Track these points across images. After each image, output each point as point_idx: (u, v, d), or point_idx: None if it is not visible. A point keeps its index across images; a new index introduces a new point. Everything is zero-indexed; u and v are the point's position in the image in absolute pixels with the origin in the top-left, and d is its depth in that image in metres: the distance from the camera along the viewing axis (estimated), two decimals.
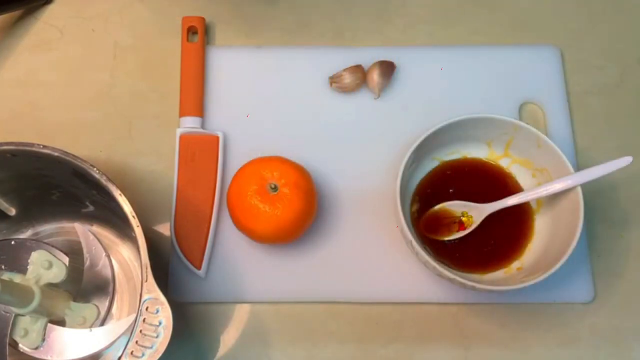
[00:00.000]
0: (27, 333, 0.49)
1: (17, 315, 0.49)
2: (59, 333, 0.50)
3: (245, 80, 0.60)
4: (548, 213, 0.54)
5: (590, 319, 0.54)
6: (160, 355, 0.42)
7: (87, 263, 0.53)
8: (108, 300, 0.53)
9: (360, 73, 0.59)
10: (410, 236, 0.49)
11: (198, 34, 0.60)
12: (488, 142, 0.55)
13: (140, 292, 0.43)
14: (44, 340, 0.50)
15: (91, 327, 0.52)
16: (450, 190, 0.55)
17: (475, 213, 0.53)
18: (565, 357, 0.53)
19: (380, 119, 0.59)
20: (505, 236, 0.54)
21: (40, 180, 0.51)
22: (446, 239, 0.53)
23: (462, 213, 0.54)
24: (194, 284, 0.54)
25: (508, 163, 0.56)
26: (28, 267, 0.50)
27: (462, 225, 0.53)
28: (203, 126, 0.58)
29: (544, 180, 0.53)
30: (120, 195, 0.45)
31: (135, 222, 0.44)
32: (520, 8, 0.64)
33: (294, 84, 0.60)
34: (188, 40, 0.60)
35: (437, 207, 0.54)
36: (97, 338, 0.50)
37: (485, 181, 0.56)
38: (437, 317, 0.54)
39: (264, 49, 0.61)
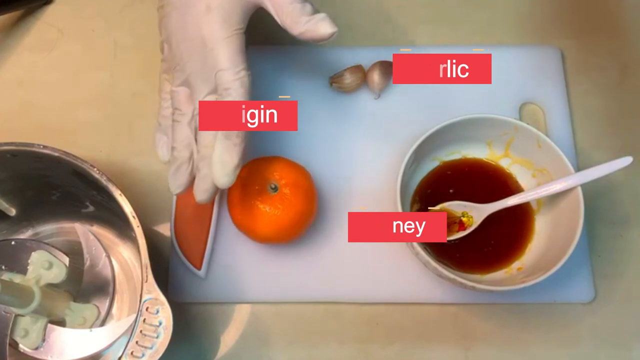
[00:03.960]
0: (27, 333, 0.49)
1: (17, 315, 0.49)
2: (58, 333, 0.50)
3: None
4: (548, 213, 0.54)
5: (590, 319, 0.54)
6: (160, 355, 0.42)
7: (87, 263, 0.53)
8: (108, 300, 0.53)
9: (360, 73, 0.58)
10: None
11: None
12: (488, 142, 0.55)
13: (140, 292, 0.43)
14: (44, 340, 0.50)
15: (91, 327, 0.52)
16: (450, 190, 0.55)
17: (475, 213, 0.53)
18: (565, 357, 0.53)
19: (380, 119, 0.59)
20: (505, 236, 0.54)
21: (40, 180, 0.51)
22: (446, 239, 0.53)
23: (462, 213, 0.54)
24: (194, 284, 0.54)
25: (508, 163, 0.56)
26: (28, 267, 0.50)
27: (462, 225, 0.53)
28: None
29: (544, 181, 0.53)
30: (120, 195, 0.45)
31: (135, 222, 0.44)
32: (520, 8, 0.64)
33: (294, 84, 0.60)
34: None
35: (437, 207, 0.54)
36: (97, 338, 0.50)
37: (485, 181, 0.55)
38: (437, 317, 0.54)
39: (264, 49, 0.61)
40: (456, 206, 0.54)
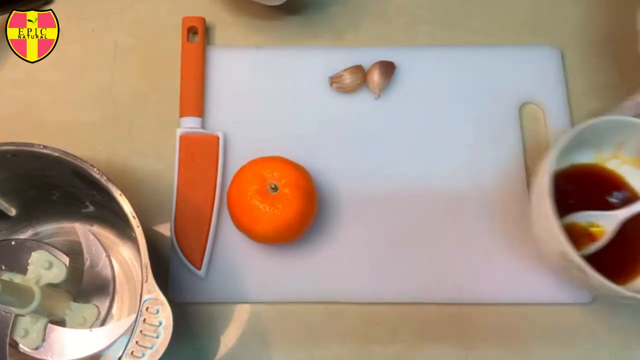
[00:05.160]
0: (27, 333, 0.49)
1: (17, 315, 0.49)
2: (59, 333, 0.50)
3: (245, 80, 0.60)
4: None
5: (590, 319, 0.54)
6: (160, 355, 0.42)
7: (87, 263, 0.53)
8: (108, 300, 0.53)
9: (360, 73, 0.59)
10: (567, 246, 0.44)
11: (198, 34, 0.60)
12: (617, 145, 0.52)
13: (140, 292, 0.43)
14: (44, 340, 0.50)
15: (91, 327, 0.52)
16: (570, 202, 0.50)
17: (604, 222, 0.49)
18: (565, 358, 0.53)
19: (380, 119, 0.59)
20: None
21: (40, 180, 0.51)
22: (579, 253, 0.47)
23: (588, 223, 0.50)
24: (194, 284, 0.54)
25: (617, 164, 0.53)
26: (28, 267, 0.50)
27: (591, 237, 0.49)
28: (203, 126, 0.58)
29: None
30: (120, 195, 0.45)
31: (135, 222, 0.44)
32: (520, 8, 0.64)
33: (294, 84, 0.60)
34: (188, 40, 0.60)
35: (564, 221, 0.49)
36: (97, 338, 0.50)
37: (598, 187, 0.52)
38: (437, 317, 0.54)
39: (264, 49, 0.61)
40: (580, 217, 0.50)
